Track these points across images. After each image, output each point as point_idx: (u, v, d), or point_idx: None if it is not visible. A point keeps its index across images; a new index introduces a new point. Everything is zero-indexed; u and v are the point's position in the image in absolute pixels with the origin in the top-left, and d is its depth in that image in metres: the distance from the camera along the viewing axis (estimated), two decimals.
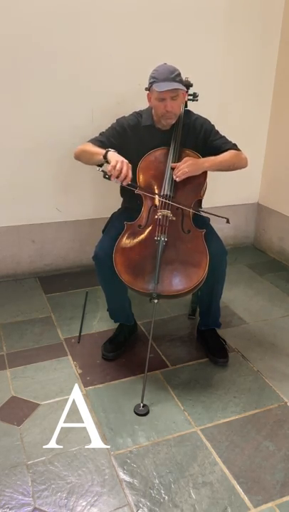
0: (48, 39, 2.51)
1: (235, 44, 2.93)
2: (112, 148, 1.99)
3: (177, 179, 1.98)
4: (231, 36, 2.90)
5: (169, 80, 1.92)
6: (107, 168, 1.87)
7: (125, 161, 1.89)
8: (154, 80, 1.95)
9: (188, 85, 2.24)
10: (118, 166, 1.85)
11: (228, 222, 1.92)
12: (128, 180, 1.89)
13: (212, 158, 2.06)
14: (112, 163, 1.87)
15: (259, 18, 2.92)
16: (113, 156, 1.91)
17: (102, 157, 1.94)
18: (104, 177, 1.87)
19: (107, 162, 1.91)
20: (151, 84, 1.97)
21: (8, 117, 2.59)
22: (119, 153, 1.99)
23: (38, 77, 2.57)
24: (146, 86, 2.03)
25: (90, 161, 2.02)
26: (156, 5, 2.64)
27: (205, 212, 2.04)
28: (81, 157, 2.08)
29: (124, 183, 1.89)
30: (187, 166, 1.97)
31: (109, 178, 1.87)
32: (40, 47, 2.51)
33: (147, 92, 2.05)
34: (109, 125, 2.15)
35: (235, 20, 2.86)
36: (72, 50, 2.57)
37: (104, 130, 2.14)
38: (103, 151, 1.94)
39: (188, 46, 2.79)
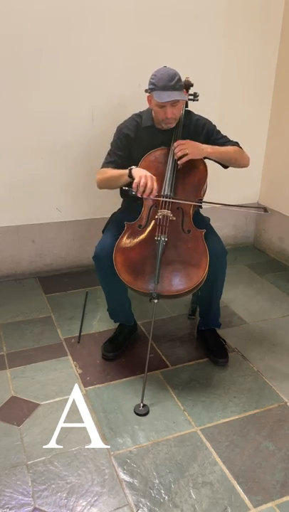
0: (48, 39, 2.51)
1: (236, 44, 2.93)
2: (123, 160, 2.03)
3: (179, 162, 1.97)
4: (231, 36, 2.90)
5: (169, 89, 1.91)
6: (133, 185, 1.88)
7: (149, 174, 1.89)
8: (153, 87, 1.94)
9: (188, 85, 2.24)
10: (142, 182, 1.85)
11: (266, 211, 1.98)
12: (154, 193, 1.89)
13: (215, 146, 2.07)
14: (136, 179, 1.87)
15: (259, 18, 2.92)
16: (136, 172, 1.91)
17: (127, 177, 1.94)
18: (131, 194, 1.89)
19: (133, 179, 1.91)
20: (150, 90, 1.96)
21: (8, 117, 2.59)
22: (128, 158, 2.02)
23: (38, 77, 2.56)
24: (146, 88, 2.03)
25: (117, 184, 2.05)
26: (157, 5, 2.64)
27: (209, 203, 2.03)
28: (106, 185, 2.10)
29: (152, 196, 1.90)
30: (188, 147, 1.96)
31: (135, 195, 1.88)
32: (41, 47, 2.51)
33: (147, 94, 2.04)
34: (112, 134, 2.16)
35: (235, 20, 2.86)
36: (73, 50, 2.57)
37: (110, 148, 2.16)
38: (126, 171, 1.94)
39: (188, 46, 2.79)
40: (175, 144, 1.98)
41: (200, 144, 2.02)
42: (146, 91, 2.04)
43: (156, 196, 1.94)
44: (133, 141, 2.12)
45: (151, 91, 1.96)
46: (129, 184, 1.92)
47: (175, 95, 1.91)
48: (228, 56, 2.94)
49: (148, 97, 2.04)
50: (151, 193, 1.88)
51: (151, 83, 1.96)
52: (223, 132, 2.21)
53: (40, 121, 2.65)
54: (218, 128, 2.20)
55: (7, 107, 2.57)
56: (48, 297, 2.77)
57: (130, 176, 1.92)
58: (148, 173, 1.90)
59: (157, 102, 1.94)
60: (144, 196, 1.89)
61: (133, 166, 1.96)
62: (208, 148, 2.03)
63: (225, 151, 2.08)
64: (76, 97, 2.67)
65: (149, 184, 1.86)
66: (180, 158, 1.96)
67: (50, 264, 3.04)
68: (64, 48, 2.55)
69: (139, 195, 1.88)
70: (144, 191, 1.86)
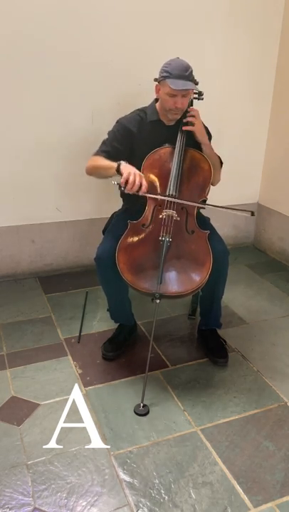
0: (48, 40, 2.50)
1: (235, 44, 2.93)
2: (117, 152, 2.01)
3: (183, 128, 2.01)
4: (231, 36, 2.90)
5: (184, 78, 1.92)
6: (121, 180, 1.87)
7: (137, 172, 1.89)
8: (167, 74, 1.93)
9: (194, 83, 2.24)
10: (131, 179, 1.85)
11: (252, 214, 1.98)
12: (144, 190, 1.89)
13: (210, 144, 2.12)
14: (125, 175, 1.86)
15: (259, 18, 2.92)
16: (125, 168, 1.90)
17: (114, 171, 1.93)
18: (120, 189, 1.89)
19: (121, 175, 1.90)
20: (163, 77, 1.94)
21: (8, 118, 2.59)
22: (127, 154, 2.01)
23: (38, 78, 2.56)
24: (156, 78, 2.00)
25: (104, 175, 2.04)
26: (157, 5, 2.64)
27: (215, 206, 2.01)
28: (94, 173, 2.09)
29: (140, 193, 1.89)
30: (198, 123, 2.02)
31: (124, 191, 1.88)
32: (41, 48, 2.51)
33: (156, 83, 2.01)
34: (111, 128, 2.14)
35: (235, 20, 2.86)
36: (73, 50, 2.57)
37: (106, 137, 2.13)
38: (115, 165, 1.93)
39: (188, 46, 2.76)
40: (190, 113, 2.02)
41: (204, 130, 2.07)
42: (156, 80, 2.02)
43: (155, 194, 1.94)
44: (137, 138, 2.10)
45: (164, 79, 1.94)
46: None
47: (189, 85, 1.93)
48: (227, 56, 2.94)
49: (156, 86, 2.02)
50: (139, 190, 1.87)
51: (164, 71, 1.94)
52: (223, 133, 2.20)
53: (40, 122, 2.65)
54: (217, 128, 2.23)
55: (6, 107, 2.57)
56: (48, 297, 2.77)
57: (118, 170, 1.91)
58: (137, 171, 1.89)
59: (170, 90, 1.93)
60: (131, 193, 1.88)
61: (122, 161, 1.93)
62: (205, 139, 2.06)
63: (214, 154, 2.12)
64: (76, 97, 2.67)
65: (137, 181, 1.86)
66: (186, 124, 2.01)
67: (50, 264, 3.04)
68: (64, 48, 2.55)
69: (126, 191, 1.87)
70: (131, 188, 1.86)
